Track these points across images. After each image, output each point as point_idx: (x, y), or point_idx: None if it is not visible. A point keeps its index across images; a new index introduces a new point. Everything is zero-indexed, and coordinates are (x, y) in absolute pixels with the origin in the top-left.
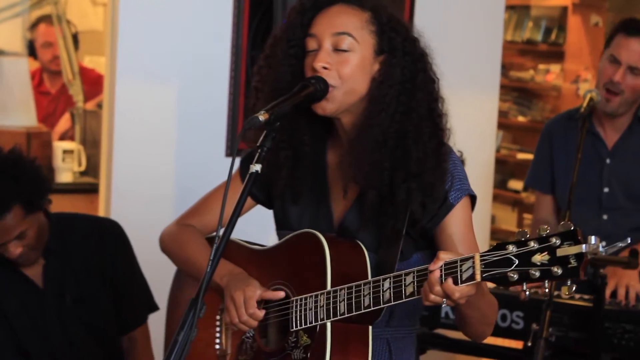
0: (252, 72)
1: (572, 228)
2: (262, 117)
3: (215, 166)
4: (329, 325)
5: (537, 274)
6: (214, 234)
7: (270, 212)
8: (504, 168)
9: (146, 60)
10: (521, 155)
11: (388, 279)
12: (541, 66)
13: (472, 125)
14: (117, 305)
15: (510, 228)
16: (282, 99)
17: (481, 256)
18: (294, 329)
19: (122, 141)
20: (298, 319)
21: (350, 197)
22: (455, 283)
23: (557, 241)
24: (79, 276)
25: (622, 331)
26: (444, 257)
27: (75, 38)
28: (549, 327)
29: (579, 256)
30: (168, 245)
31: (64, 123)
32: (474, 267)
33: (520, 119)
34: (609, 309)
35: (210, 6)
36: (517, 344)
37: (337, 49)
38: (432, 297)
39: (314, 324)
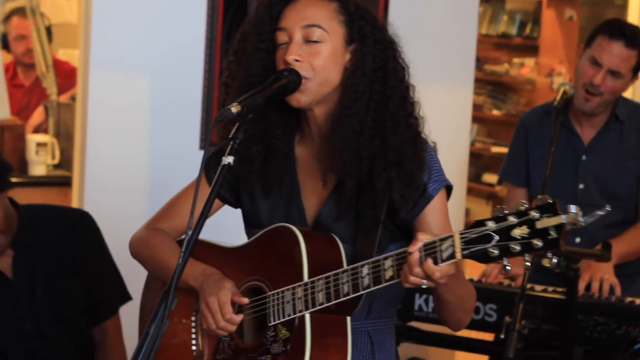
0: (223, 67)
1: (550, 201)
2: (234, 109)
3: (189, 159)
4: (307, 316)
5: (518, 247)
6: (184, 236)
7: None
8: (478, 161)
9: (120, 52)
10: (495, 149)
11: (366, 265)
12: (516, 60)
13: (447, 118)
14: (88, 296)
15: None
16: (255, 91)
17: (461, 234)
18: (272, 323)
19: (95, 134)
20: (276, 312)
21: (325, 190)
22: (435, 263)
23: (536, 214)
24: (49, 267)
25: (595, 324)
26: (423, 238)
27: (48, 31)
28: (522, 320)
29: (559, 227)
30: (138, 250)
31: (37, 116)
32: (453, 246)
33: (495, 112)
34: (581, 301)
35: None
36: (491, 337)
37: (307, 41)
38: (412, 278)
39: (292, 316)
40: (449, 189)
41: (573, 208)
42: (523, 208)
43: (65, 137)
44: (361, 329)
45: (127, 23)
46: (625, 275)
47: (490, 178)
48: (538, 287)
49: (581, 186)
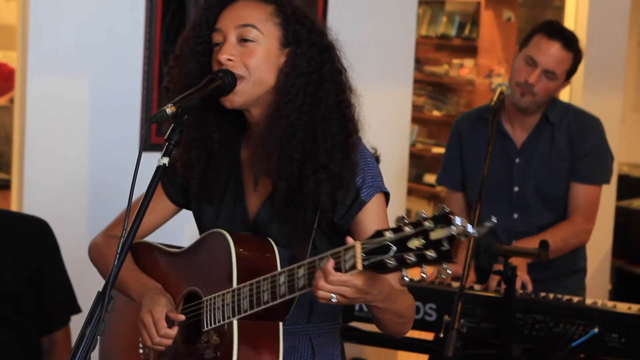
0: (164, 72)
1: (447, 211)
2: (169, 110)
3: (129, 160)
4: (235, 323)
5: (413, 258)
6: (140, 240)
7: None
8: (419, 162)
9: (58, 54)
10: (436, 150)
11: (284, 274)
12: (455, 61)
13: (386, 119)
14: (40, 305)
15: None
16: (190, 92)
17: (362, 244)
18: (205, 329)
19: (34, 136)
20: (208, 319)
21: (264, 193)
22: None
23: (431, 225)
24: (4, 272)
25: (533, 322)
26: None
27: None
28: (461, 319)
29: (451, 239)
30: (93, 258)
31: None
32: (355, 256)
33: (435, 113)
34: (519, 299)
35: (123, 0)
36: (430, 336)
37: (241, 41)
38: (321, 292)
39: (221, 322)
40: (387, 195)
41: (458, 220)
42: (421, 218)
43: (4, 139)
44: (302, 332)
45: (65, 24)
46: (561, 275)
47: (431, 179)
48: (477, 287)
49: (516, 189)
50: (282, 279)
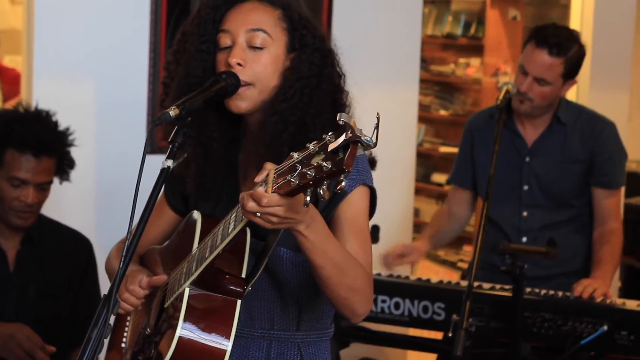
0: (163, 67)
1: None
2: (172, 112)
3: (135, 164)
4: (187, 290)
5: (312, 173)
6: (150, 247)
7: None
8: (427, 162)
9: (64, 57)
10: (444, 149)
11: (222, 226)
12: (461, 60)
13: (393, 119)
14: (73, 314)
15: None
16: (193, 94)
17: (275, 169)
18: (167, 304)
19: None
20: (169, 293)
21: None
22: None
23: (331, 138)
24: (47, 273)
25: (542, 320)
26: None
27: None
28: (470, 318)
29: (345, 147)
30: (106, 267)
31: None
32: (267, 181)
33: (442, 112)
34: (528, 298)
35: (128, 4)
36: (439, 335)
37: (251, 46)
38: (253, 217)
39: (177, 292)
40: (372, 190)
41: (343, 116)
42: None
43: None
44: (290, 340)
45: (70, 28)
46: (571, 273)
47: (439, 178)
48: (486, 285)
49: (525, 187)
50: (220, 230)
